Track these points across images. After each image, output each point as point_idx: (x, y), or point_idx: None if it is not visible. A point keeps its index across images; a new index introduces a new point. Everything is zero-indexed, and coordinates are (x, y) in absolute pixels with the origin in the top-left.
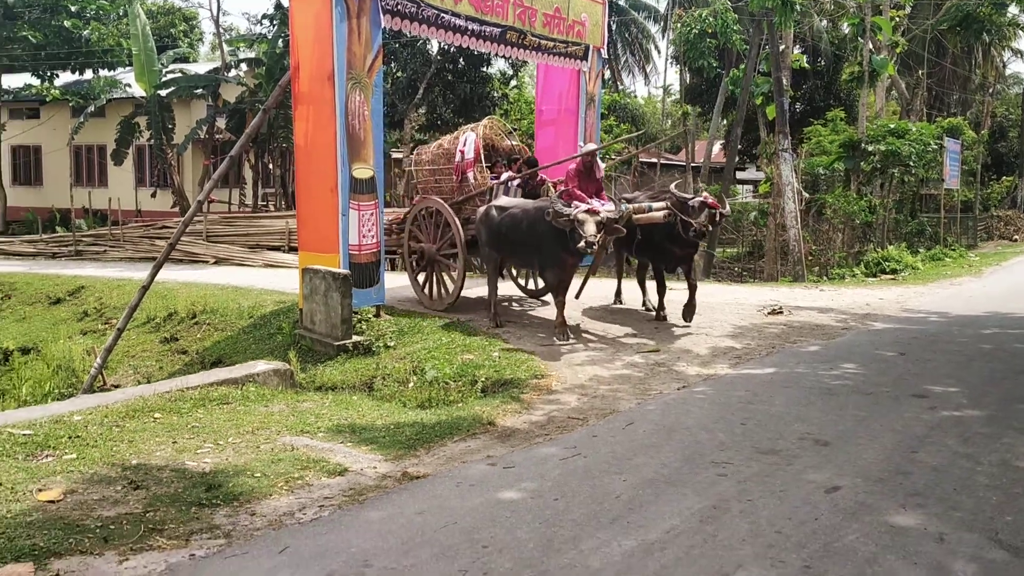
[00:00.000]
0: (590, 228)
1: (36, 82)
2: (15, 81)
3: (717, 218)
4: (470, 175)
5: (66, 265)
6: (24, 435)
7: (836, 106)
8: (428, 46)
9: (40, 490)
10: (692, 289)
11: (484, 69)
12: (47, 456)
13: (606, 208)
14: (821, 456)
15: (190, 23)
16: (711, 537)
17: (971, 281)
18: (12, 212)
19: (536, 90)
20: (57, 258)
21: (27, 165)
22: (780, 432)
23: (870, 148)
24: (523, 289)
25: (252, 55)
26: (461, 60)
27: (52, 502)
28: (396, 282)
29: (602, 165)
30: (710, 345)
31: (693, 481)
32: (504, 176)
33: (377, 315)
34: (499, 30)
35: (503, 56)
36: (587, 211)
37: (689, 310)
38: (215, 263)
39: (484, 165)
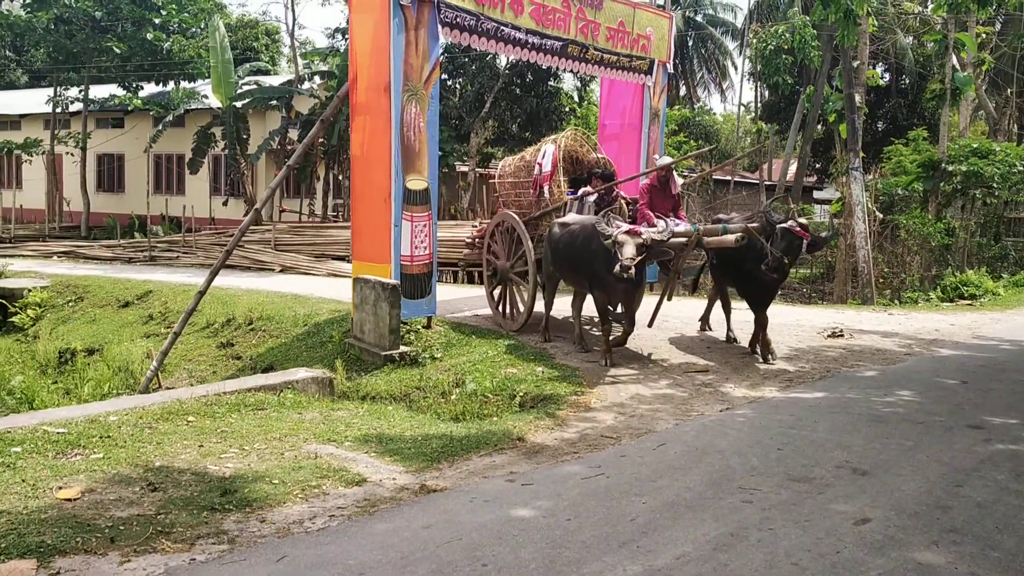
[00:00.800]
0: (628, 251)
1: (121, 92)
2: (101, 91)
3: (803, 248)
4: (546, 189)
5: (140, 270)
6: (58, 433)
7: (920, 125)
8: (496, 60)
9: (60, 488)
10: (759, 325)
11: (552, 83)
12: (76, 455)
13: (654, 229)
14: (856, 486)
15: (272, 37)
16: (721, 566)
17: None
18: (95, 218)
19: (600, 104)
20: (132, 263)
21: (111, 172)
22: (817, 459)
23: (951, 168)
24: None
25: (325, 68)
26: (529, 74)
27: (69, 500)
28: (467, 295)
29: (679, 181)
30: (762, 367)
31: (715, 506)
32: (580, 191)
33: (428, 326)
34: (561, 43)
35: (566, 70)
36: (627, 232)
37: (763, 347)
38: (281, 271)
39: (562, 179)
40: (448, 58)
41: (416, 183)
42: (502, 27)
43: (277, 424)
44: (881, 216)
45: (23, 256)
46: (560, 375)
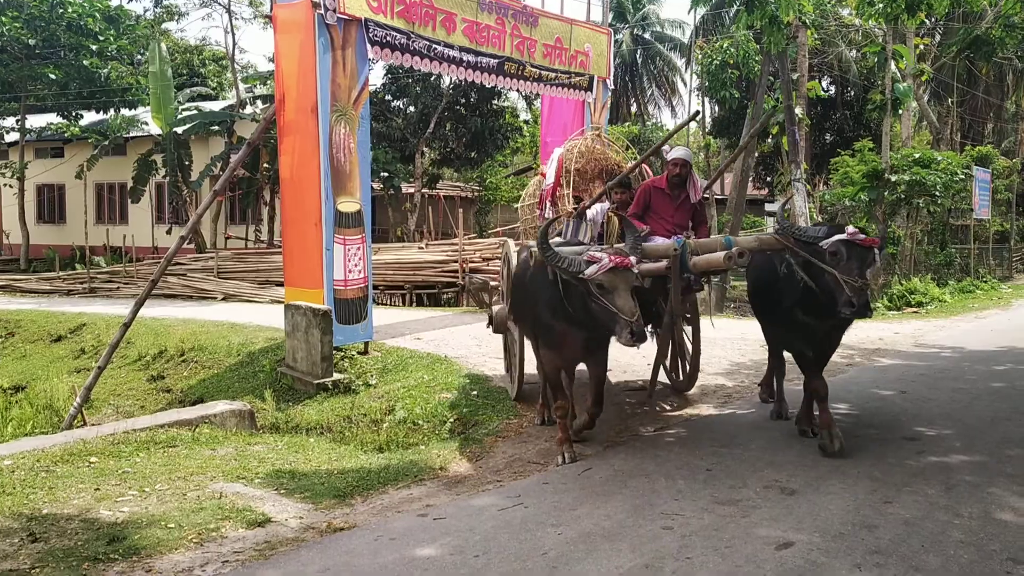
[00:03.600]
0: (626, 300)
1: (59, 120)
2: (39, 121)
3: (878, 260)
4: (546, 210)
5: (77, 302)
6: None
7: (865, 136)
8: (440, 80)
9: None
10: (816, 396)
11: (496, 102)
12: None
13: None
14: (783, 507)
15: (219, 63)
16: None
17: (998, 314)
18: (35, 250)
19: (541, 121)
20: (71, 295)
21: (51, 203)
22: (745, 479)
23: (894, 178)
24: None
25: (267, 91)
26: (473, 94)
27: None
28: (409, 319)
29: (700, 183)
30: (700, 383)
31: (634, 535)
32: (584, 205)
33: (364, 352)
34: (497, 61)
35: (504, 88)
36: (612, 265)
37: (822, 426)
38: (223, 299)
39: (568, 192)
40: (391, 79)
41: (348, 205)
42: (435, 45)
43: (185, 462)
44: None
45: None
46: (496, 399)
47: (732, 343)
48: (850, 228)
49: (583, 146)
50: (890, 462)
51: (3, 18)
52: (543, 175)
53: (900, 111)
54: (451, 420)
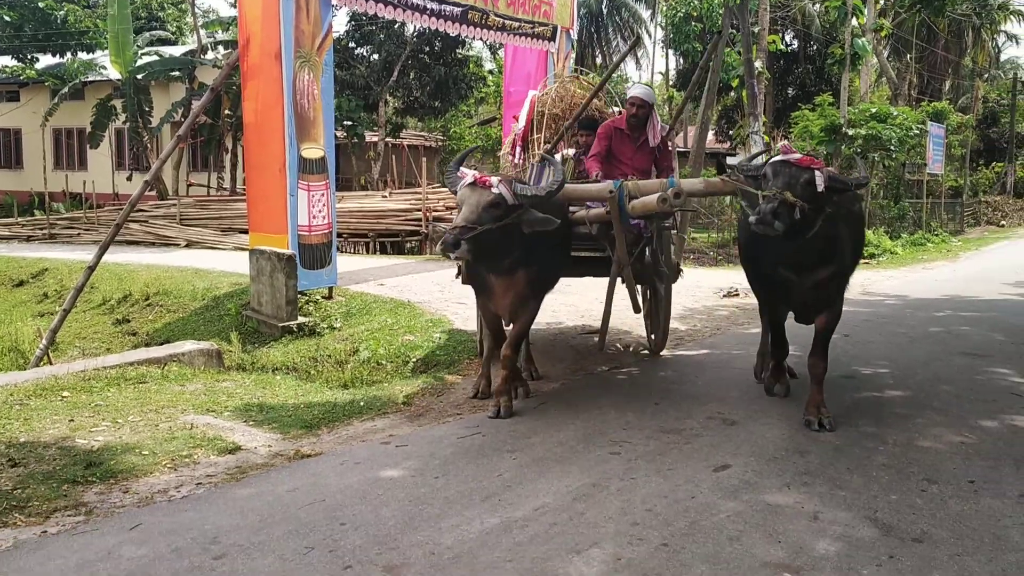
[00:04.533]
0: (462, 213)
1: (15, 64)
2: None
3: (820, 186)
4: (518, 152)
5: (37, 248)
6: None
7: (827, 91)
8: (404, 28)
9: None
10: (810, 373)
11: (460, 51)
12: None
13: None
14: (723, 435)
15: (178, 6)
16: (578, 515)
17: (944, 265)
18: None
19: (504, 71)
20: (31, 241)
21: (7, 148)
22: (690, 412)
23: (851, 132)
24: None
25: (228, 37)
26: (437, 42)
27: None
28: (374, 265)
29: (661, 126)
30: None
31: (583, 459)
32: (568, 152)
33: (329, 297)
34: (460, 9)
35: (468, 37)
36: (469, 184)
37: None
38: (186, 246)
39: (540, 136)
40: (355, 26)
41: (312, 151)
42: None
43: (156, 396)
44: None
45: None
46: (456, 341)
47: (687, 290)
48: (784, 143)
49: (560, 90)
50: (826, 397)
51: None
52: (516, 119)
53: (859, 66)
54: (414, 360)
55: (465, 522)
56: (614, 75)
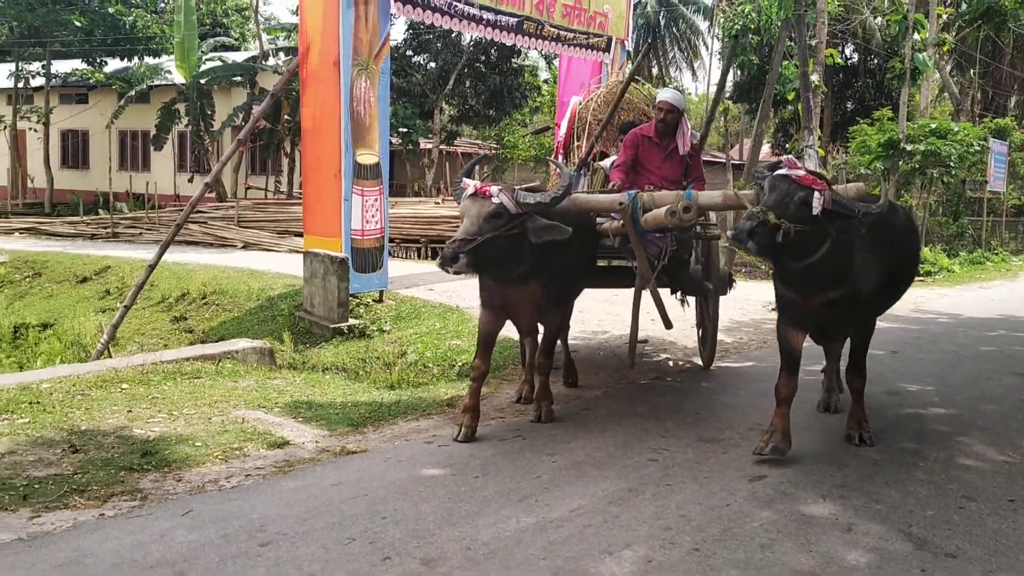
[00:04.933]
0: (464, 225)
1: (85, 67)
2: (65, 67)
3: (817, 206)
4: (560, 161)
5: (101, 246)
6: None
7: (887, 105)
8: (460, 37)
9: None
10: (850, 389)
11: (516, 61)
12: (2, 420)
13: (532, 192)
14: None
15: (242, 13)
16: (612, 518)
17: (1002, 285)
18: (59, 195)
19: (558, 81)
20: (95, 239)
21: (75, 149)
22: (731, 422)
23: (910, 148)
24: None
25: (289, 44)
26: (493, 51)
27: None
28: (424, 271)
29: (691, 132)
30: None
31: (620, 465)
32: (610, 160)
33: (379, 300)
34: (516, 20)
35: (523, 47)
36: (472, 194)
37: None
38: (243, 247)
39: (582, 143)
40: (413, 35)
41: (366, 157)
42: (454, 3)
43: (210, 391)
44: None
45: None
46: (503, 346)
47: (736, 303)
48: (787, 157)
49: (608, 95)
50: (869, 413)
51: None
52: (558, 126)
53: (919, 81)
54: (460, 364)
55: (502, 520)
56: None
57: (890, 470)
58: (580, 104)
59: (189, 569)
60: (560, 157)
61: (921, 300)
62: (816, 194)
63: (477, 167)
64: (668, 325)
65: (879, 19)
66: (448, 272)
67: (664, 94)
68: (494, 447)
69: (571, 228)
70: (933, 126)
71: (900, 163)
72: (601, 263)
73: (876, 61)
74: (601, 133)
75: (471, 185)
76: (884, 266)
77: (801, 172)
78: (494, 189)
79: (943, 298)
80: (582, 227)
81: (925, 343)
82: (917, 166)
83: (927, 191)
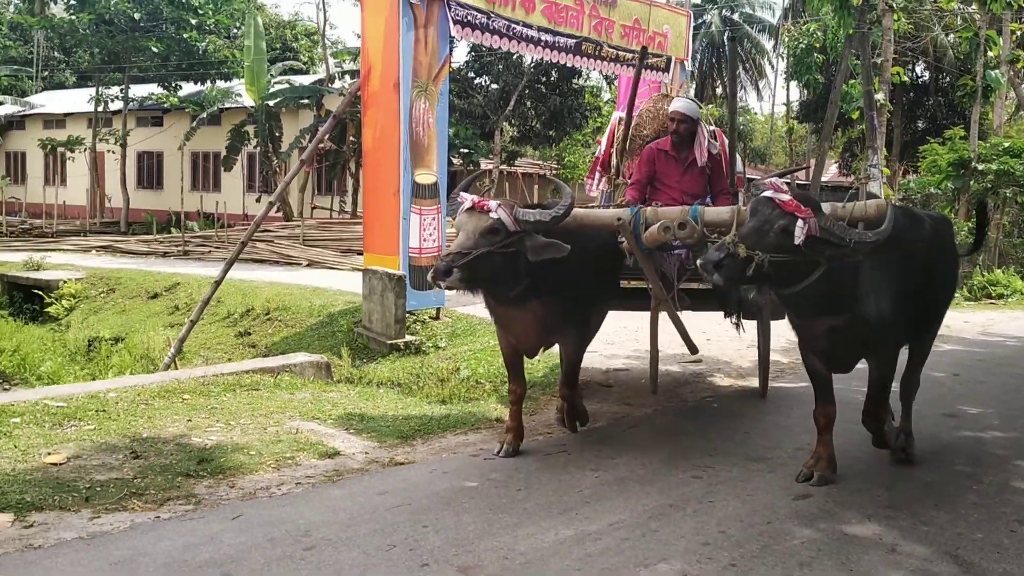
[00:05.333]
0: (459, 240)
1: (160, 91)
2: (141, 91)
3: (798, 235)
4: (595, 180)
5: (172, 264)
6: (57, 407)
7: (959, 124)
8: (521, 58)
9: (49, 454)
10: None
11: (576, 82)
12: (71, 426)
13: (531, 210)
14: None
15: (311, 37)
16: (651, 532)
17: None
18: (134, 214)
19: (617, 101)
20: (167, 257)
21: (150, 169)
22: (779, 442)
23: (981, 167)
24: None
25: (355, 67)
26: (553, 72)
27: (55, 465)
28: None
29: (708, 145)
30: (756, 359)
31: (663, 481)
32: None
33: (436, 317)
34: (574, 41)
35: (581, 67)
36: (467, 210)
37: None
38: (307, 265)
39: (619, 161)
40: (474, 57)
41: (425, 177)
42: (513, 25)
43: (266, 403)
44: None
45: (63, 250)
46: (553, 364)
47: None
48: (773, 180)
49: (652, 109)
50: (923, 435)
51: None
52: (599, 142)
53: (992, 99)
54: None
55: (540, 531)
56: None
57: (941, 492)
58: (620, 119)
59: (235, 570)
60: (598, 173)
61: (989, 322)
62: (799, 223)
63: (477, 182)
64: (693, 350)
65: (951, 36)
66: (440, 287)
67: (676, 103)
68: (539, 461)
69: (569, 246)
70: (1006, 144)
71: (971, 183)
72: (635, 284)
73: (948, 79)
74: (624, 147)
75: (468, 199)
76: (904, 288)
77: (786, 197)
78: (492, 204)
79: (1013, 321)
80: (596, 245)
81: (990, 365)
82: (989, 186)
83: (1000, 211)
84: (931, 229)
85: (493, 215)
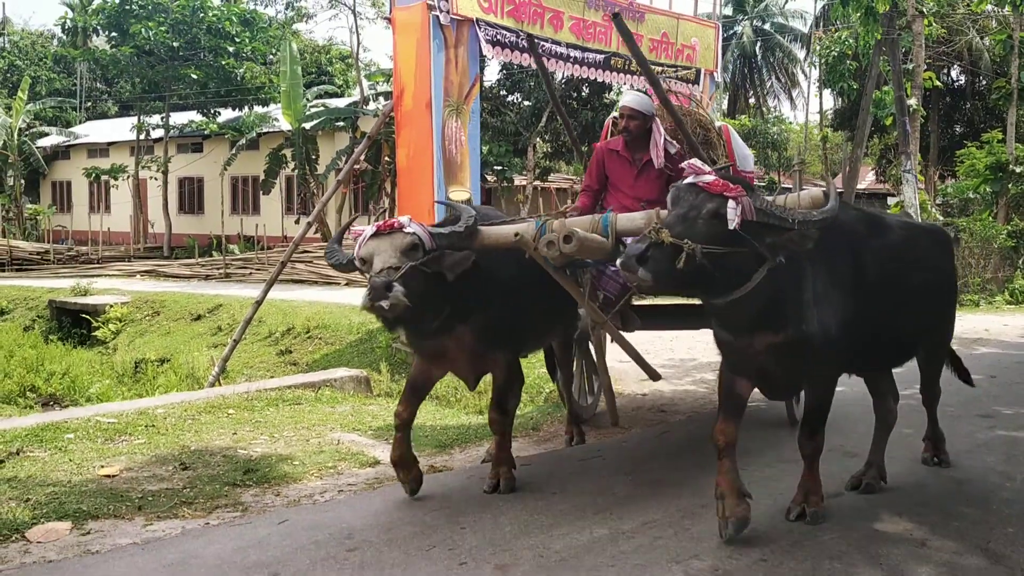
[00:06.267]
0: (376, 262)
1: (199, 118)
2: (181, 118)
3: (733, 219)
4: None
5: (215, 286)
6: (109, 423)
7: (997, 127)
8: (552, 75)
9: (102, 466)
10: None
11: (608, 96)
12: (122, 440)
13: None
14: (840, 466)
15: (345, 61)
16: (683, 530)
17: None
18: (176, 238)
19: None
20: (209, 279)
21: (191, 195)
22: None
23: (1019, 170)
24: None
25: (389, 88)
26: (584, 88)
27: (109, 477)
28: None
29: (665, 144)
30: None
31: (696, 482)
32: None
33: None
34: (603, 56)
35: (610, 82)
36: (376, 231)
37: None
38: (346, 284)
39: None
40: (506, 75)
41: (458, 194)
42: (542, 43)
43: (309, 416)
44: (941, 219)
45: (108, 275)
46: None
47: None
48: (691, 161)
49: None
50: (958, 434)
51: (151, 23)
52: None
53: None
54: (548, 391)
55: (575, 531)
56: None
57: (973, 490)
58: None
59: (282, 570)
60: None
61: None
62: (731, 203)
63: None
64: (653, 376)
65: (986, 39)
66: (383, 309)
67: (625, 97)
68: (574, 466)
69: (472, 254)
70: None
71: (1009, 186)
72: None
73: (984, 82)
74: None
75: (369, 227)
76: (861, 300)
77: (710, 178)
78: (404, 219)
79: None
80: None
81: None
82: None
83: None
84: (903, 239)
85: (408, 230)
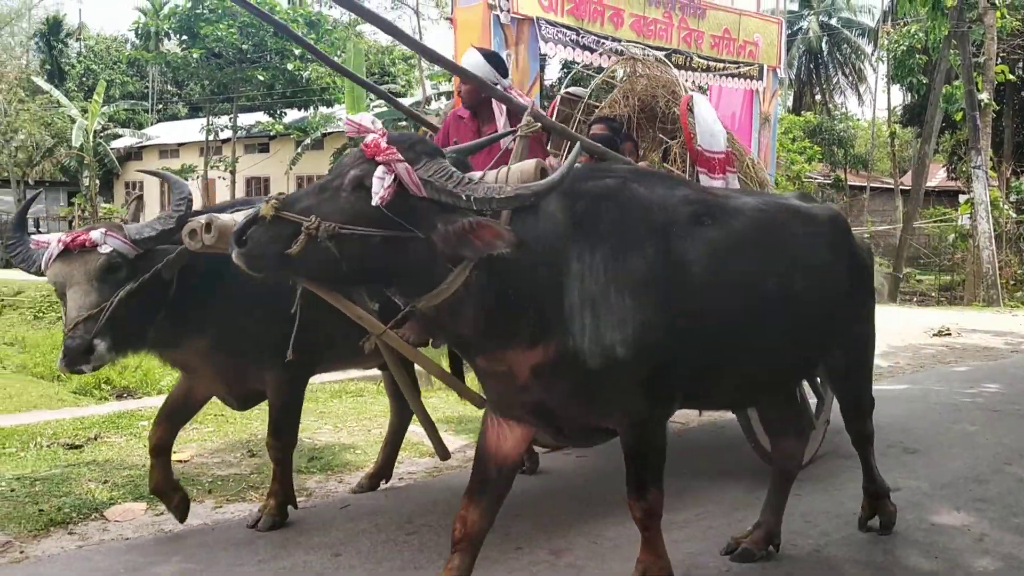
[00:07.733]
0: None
1: (266, 119)
2: (249, 119)
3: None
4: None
5: None
6: None
7: None
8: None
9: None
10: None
11: None
12: (192, 429)
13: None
14: (899, 462)
15: (408, 62)
16: (735, 521)
17: None
18: None
19: None
20: None
21: (258, 194)
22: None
23: None
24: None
25: (450, 88)
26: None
27: (181, 461)
28: None
29: (517, 99)
30: None
31: (751, 477)
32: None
33: None
34: (663, 53)
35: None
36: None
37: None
38: None
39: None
40: (566, 72)
41: None
42: (603, 40)
43: (371, 407)
44: (1015, 217)
45: None
46: None
47: (893, 328)
48: (349, 118)
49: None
50: (1022, 433)
51: (221, 26)
52: None
53: None
54: None
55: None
56: (832, 112)
57: None
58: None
59: (345, 551)
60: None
61: None
62: (379, 170)
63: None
64: (443, 456)
65: None
66: (85, 372)
67: (468, 57)
68: (598, 471)
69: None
70: None
71: None
72: None
73: None
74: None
75: (54, 241)
76: (681, 306)
77: (371, 137)
78: (95, 234)
79: None
80: None
81: None
82: None
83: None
84: (760, 225)
85: (102, 249)
